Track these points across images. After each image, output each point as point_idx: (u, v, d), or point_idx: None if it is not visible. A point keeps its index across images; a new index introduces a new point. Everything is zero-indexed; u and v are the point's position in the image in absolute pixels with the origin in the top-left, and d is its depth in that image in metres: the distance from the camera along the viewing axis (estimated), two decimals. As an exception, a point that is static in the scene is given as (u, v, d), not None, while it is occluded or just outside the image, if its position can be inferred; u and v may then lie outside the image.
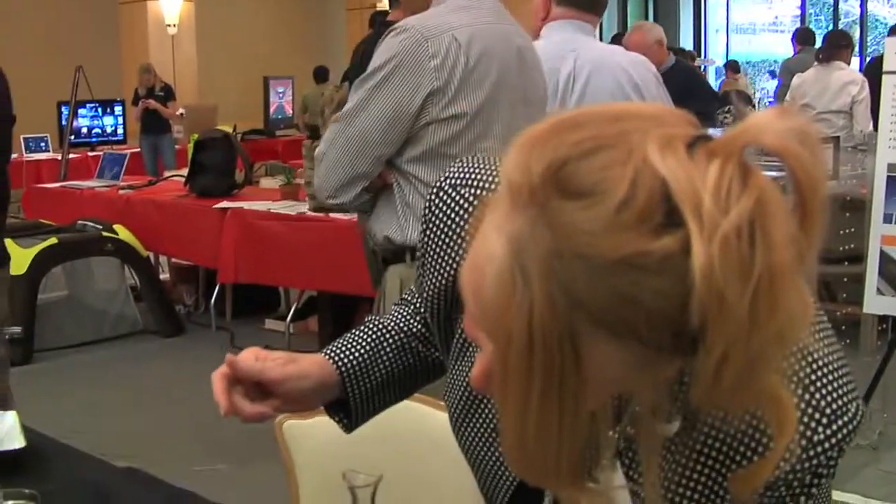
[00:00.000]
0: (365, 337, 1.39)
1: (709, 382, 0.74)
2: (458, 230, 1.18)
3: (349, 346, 1.37)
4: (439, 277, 1.21)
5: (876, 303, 4.04)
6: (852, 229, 4.24)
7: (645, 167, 0.73)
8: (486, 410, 1.18)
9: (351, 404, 1.37)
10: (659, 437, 0.94)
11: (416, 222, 2.44)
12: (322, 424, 2.04)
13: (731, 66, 14.62)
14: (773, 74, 15.44)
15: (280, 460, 2.06)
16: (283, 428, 2.04)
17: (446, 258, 1.20)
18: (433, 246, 1.21)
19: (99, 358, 5.92)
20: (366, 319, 1.42)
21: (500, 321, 0.76)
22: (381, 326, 1.40)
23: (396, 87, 2.46)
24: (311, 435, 2.05)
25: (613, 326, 0.74)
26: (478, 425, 1.19)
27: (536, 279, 0.73)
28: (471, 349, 1.19)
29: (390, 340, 1.39)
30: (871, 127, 6.90)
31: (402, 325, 1.41)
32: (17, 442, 1.81)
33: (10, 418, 1.91)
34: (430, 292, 1.23)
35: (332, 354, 1.36)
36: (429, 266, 1.22)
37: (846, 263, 4.33)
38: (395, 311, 1.43)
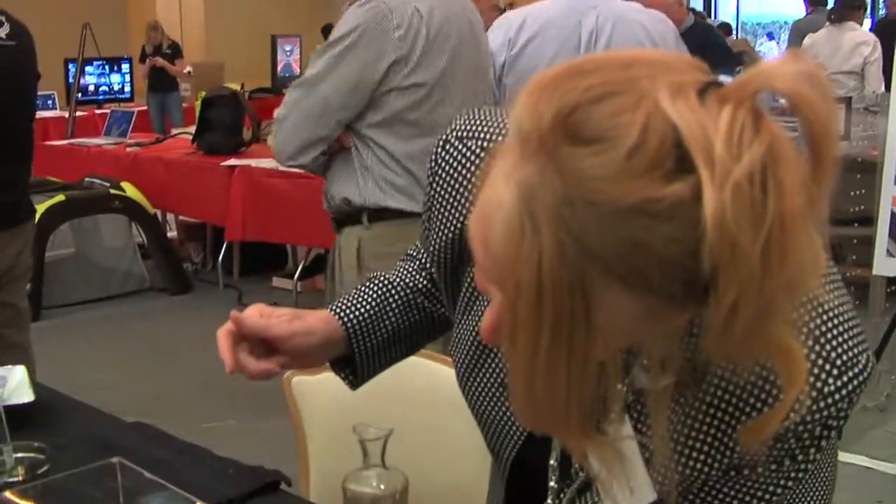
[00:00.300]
0: (371, 293, 1.38)
1: (719, 331, 0.73)
2: (464, 182, 1.17)
3: (355, 302, 1.37)
4: (446, 231, 1.20)
5: (885, 264, 4.02)
6: (863, 191, 4.22)
7: (656, 113, 0.72)
8: (493, 365, 1.17)
9: (357, 360, 1.37)
10: (667, 390, 0.93)
11: (374, 185, 2.61)
12: (330, 380, 2.04)
13: (724, 28, 14.52)
14: (770, 36, 15.32)
15: (288, 416, 2.07)
16: (291, 384, 2.04)
17: (453, 211, 1.19)
18: (439, 199, 1.20)
19: (107, 315, 5.94)
20: (370, 276, 1.42)
21: (509, 270, 0.75)
22: (386, 282, 1.40)
23: (361, 55, 2.56)
24: (319, 391, 2.05)
25: (624, 274, 0.73)
26: (485, 380, 1.18)
27: (546, 227, 0.72)
28: (478, 303, 1.19)
29: (396, 296, 1.39)
30: (882, 88, 6.86)
31: (407, 280, 1.40)
32: (27, 396, 1.81)
33: (20, 373, 1.91)
34: (437, 246, 1.22)
35: (338, 310, 1.36)
36: (435, 219, 1.21)
37: (856, 225, 4.32)
38: (401, 267, 1.43)
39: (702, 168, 0.69)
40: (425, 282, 1.40)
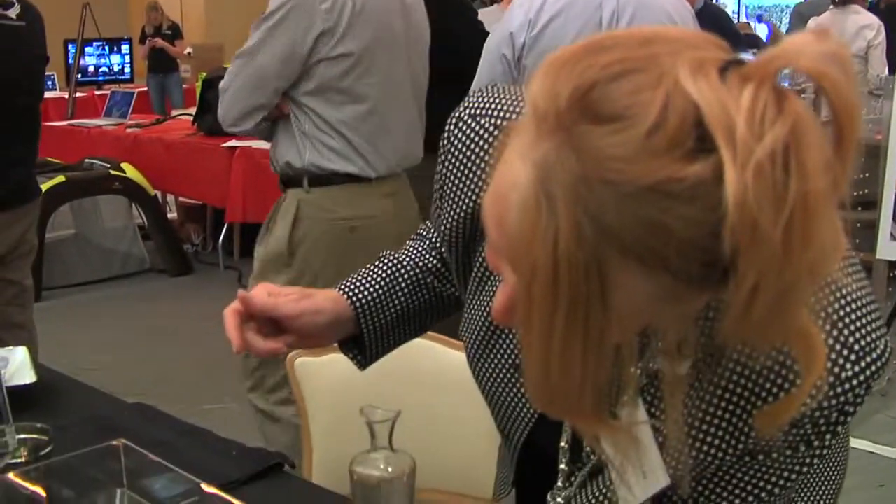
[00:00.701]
0: (380, 272, 1.37)
1: (738, 314, 0.71)
2: (477, 161, 1.15)
3: (364, 281, 1.36)
4: (458, 209, 1.18)
5: (888, 249, 4.01)
6: (866, 175, 4.20)
7: (676, 91, 0.70)
8: (505, 345, 1.16)
9: (365, 340, 1.36)
10: (682, 374, 0.92)
11: (312, 148, 2.80)
12: (333, 362, 2.04)
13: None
14: (759, 19, 15.28)
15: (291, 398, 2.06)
16: (294, 365, 2.04)
17: (465, 190, 1.17)
18: (451, 177, 1.18)
19: (107, 296, 5.93)
20: (381, 255, 1.40)
21: (525, 251, 0.73)
22: (396, 262, 1.39)
23: (291, 28, 2.73)
24: (323, 373, 2.05)
25: (642, 256, 0.72)
26: (496, 361, 1.17)
27: (562, 206, 0.71)
28: (489, 283, 1.17)
29: (405, 276, 1.38)
30: (886, 71, 6.84)
31: (417, 260, 1.39)
32: (28, 377, 1.80)
33: (21, 354, 1.90)
34: (449, 225, 1.20)
35: (347, 290, 1.35)
36: (447, 198, 1.20)
37: (859, 209, 4.30)
38: (411, 246, 1.42)
39: (723, 148, 0.68)
40: (435, 261, 1.39)
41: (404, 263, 1.39)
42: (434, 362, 2.02)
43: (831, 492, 1.17)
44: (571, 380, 0.77)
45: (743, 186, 0.67)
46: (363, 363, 1.40)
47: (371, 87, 2.82)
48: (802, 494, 1.14)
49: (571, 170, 0.71)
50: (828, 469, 1.17)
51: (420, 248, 1.41)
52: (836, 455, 1.21)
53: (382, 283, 1.36)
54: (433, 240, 1.39)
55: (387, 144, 2.90)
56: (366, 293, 1.35)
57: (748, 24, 13.87)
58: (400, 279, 1.37)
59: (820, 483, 1.16)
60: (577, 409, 0.81)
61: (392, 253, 1.41)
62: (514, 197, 0.74)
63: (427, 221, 1.42)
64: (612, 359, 0.79)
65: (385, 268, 1.38)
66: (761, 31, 13.52)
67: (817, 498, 1.15)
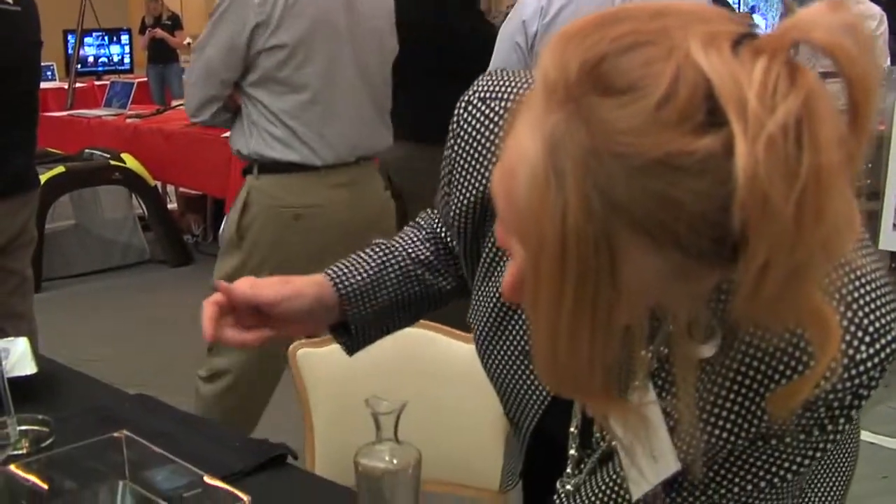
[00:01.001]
0: (369, 261, 1.36)
1: (749, 292, 0.70)
2: (487, 144, 1.14)
3: (351, 269, 1.35)
4: (467, 194, 1.17)
5: (892, 239, 4.01)
6: (869, 165, 4.19)
7: (687, 64, 0.69)
8: (514, 331, 1.15)
9: (351, 327, 1.36)
10: (694, 357, 0.91)
11: (259, 137, 2.90)
12: (336, 353, 2.02)
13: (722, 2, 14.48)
14: (753, 10, 15.26)
15: (291, 389, 2.05)
16: (297, 356, 2.03)
17: (475, 173, 1.16)
18: (461, 161, 1.17)
19: (107, 287, 5.92)
20: (373, 242, 1.39)
21: (533, 224, 0.72)
22: (387, 251, 1.38)
23: (231, 21, 2.86)
24: (325, 364, 2.04)
25: (652, 231, 0.70)
26: (505, 347, 1.16)
27: (572, 180, 0.70)
28: (499, 268, 1.16)
29: (395, 266, 1.37)
30: (889, 62, 6.81)
31: (410, 250, 1.38)
32: (29, 368, 1.79)
33: (22, 344, 1.89)
34: (458, 209, 1.19)
35: (333, 276, 1.34)
36: (456, 182, 1.19)
37: (862, 199, 4.29)
38: (406, 235, 1.41)
39: (734, 121, 0.67)
40: (428, 253, 1.38)
41: (395, 253, 1.38)
42: (438, 353, 2.01)
43: (842, 482, 1.16)
44: (580, 359, 0.76)
45: (754, 160, 0.66)
46: (351, 349, 1.40)
47: (310, 77, 2.90)
48: (814, 485, 1.13)
49: (581, 142, 0.70)
50: (839, 459, 1.16)
51: (415, 238, 1.39)
52: (847, 444, 1.19)
53: (371, 271, 1.35)
54: (432, 228, 1.38)
55: (333, 133, 2.95)
56: (353, 281, 1.34)
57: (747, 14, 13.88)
58: (389, 269, 1.36)
59: (831, 473, 1.14)
60: (586, 387, 0.80)
61: (385, 241, 1.40)
62: (523, 170, 0.73)
63: (427, 210, 1.40)
64: (621, 339, 0.78)
65: (375, 257, 1.37)
66: (759, 21, 13.50)
67: (828, 489, 1.14)
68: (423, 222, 1.42)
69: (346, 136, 2.98)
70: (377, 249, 1.38)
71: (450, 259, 1.38)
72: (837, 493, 1.17)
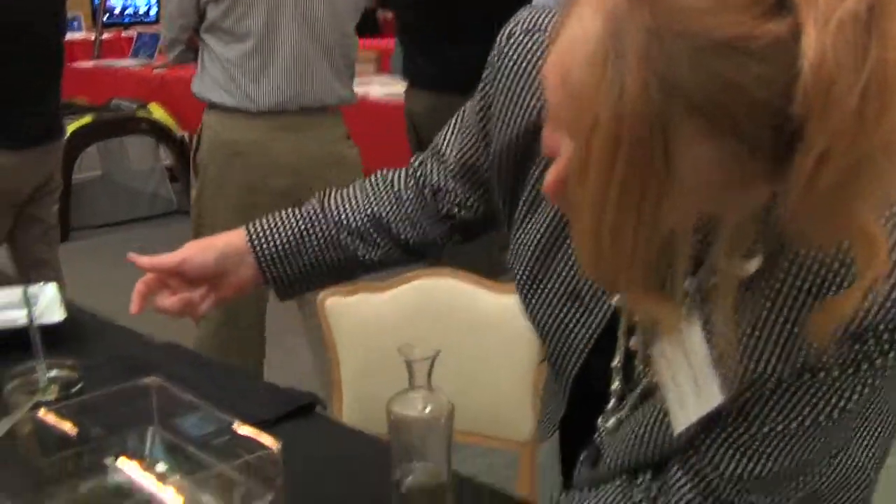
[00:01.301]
0: (290, 225, 1.38)
1: (803, 187, 0.68)
2: (531, 77, 1.11)
3: (272, 231, 1.37)
4: (510, 126, 1.15)
5: None
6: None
7: None
8: (558, 271, 1.12)
9: (271, 284, 1.39)
10: (736, 276, 0.89)
11: (209, 79, 3.15)
12: (363, 302, 2.02)
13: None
14: None
15: (316, 341, 2.04)
16: (325, 305, 2.02)
17: (518, 106, 1.13)
18: (501, 95, 1.15)
19: (134, 237, 5.94)
20: (305, 203, 1.41)
21: (587, 105, 0.71)
22: (313, 216, 1.38)
23: None
24: (353, 312, 2.03)
25: (710, 114, 0.68)
26: (549, 287, 1.13)
27: (632, 58, 0.68)
28: (541, 207, 1.13)
29: (318, 232, 1.37)
30: None
31: (343, 216, 1.38)
32: (58, 314, 1.79)
33: (51, 290, 1.89)
34: (498, 145, 1.16)
35: (252, 234, 1.37)
36: (497, 117, 1.16)
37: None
38: (350, 198, 1.40)
39: (804, 6, 0.66)
40: (365, 220, 1.37)
41: (322, 218, 1.38)
42: (467, 304, 2.00)
43: (887, 434, 1.12)
44: (622, 252, 0.74)
45: (821, 45, 0.65)
46: (282, 297, 1.43)
47: (251, 27, 3.06)
48: (860, 436, 1.10)
49: (644, 21, 0.68)
50: (886, 407, 1.11)
51: (359, 201, 1.39)
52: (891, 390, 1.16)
53: (291, 237, 1.37)
54: (405, 182, 1.37)
55: (270, 82, 3.08)
56: (269, 245, 1.36)
57: None
58: (311, 235, 1.37)
59: (877, 424, 1.11)
60: (626, 279, 0.78)
61: (317, 203, 1.40)
62: (582, 50, 0.72)
63: (417, 153, 1.37)
64: (664, 241, 0.76)
65: (300, 220, 1.38)
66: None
67: (873, 440, 1.11)
68: (391, 176, 1.40)
69: (286, 85, 3.10)
70: (304, 213, 1.39)
71: (409, 219, 1.37)
72: (883, 444, 1.13)
